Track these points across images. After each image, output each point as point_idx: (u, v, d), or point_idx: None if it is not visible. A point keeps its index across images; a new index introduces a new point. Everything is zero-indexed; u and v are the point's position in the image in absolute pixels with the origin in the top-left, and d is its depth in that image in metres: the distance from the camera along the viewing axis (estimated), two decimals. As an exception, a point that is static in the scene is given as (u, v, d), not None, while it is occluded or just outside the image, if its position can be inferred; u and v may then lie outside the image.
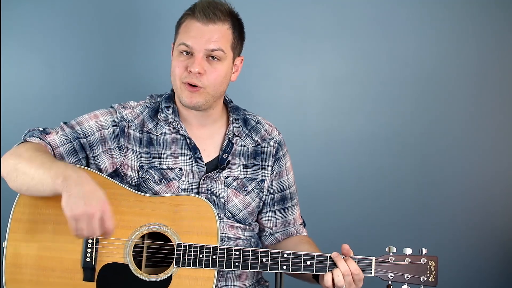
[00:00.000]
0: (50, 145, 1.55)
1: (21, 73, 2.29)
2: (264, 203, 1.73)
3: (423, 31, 2.54)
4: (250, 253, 1.49)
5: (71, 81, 2.32)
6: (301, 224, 1.80)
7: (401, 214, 2.57)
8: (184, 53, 1.55)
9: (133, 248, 1.51)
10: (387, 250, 1.51)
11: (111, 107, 1.65)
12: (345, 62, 2.52)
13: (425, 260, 1.51)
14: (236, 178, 1.65)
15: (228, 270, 1.64)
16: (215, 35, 1.53)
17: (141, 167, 1.59)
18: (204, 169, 1.62)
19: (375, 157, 2.54)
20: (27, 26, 2.27)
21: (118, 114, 1.62)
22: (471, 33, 2.56)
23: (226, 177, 1.64)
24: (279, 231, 1.75)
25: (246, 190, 1.66)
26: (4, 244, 1.49)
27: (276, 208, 1.74)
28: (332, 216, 2.50)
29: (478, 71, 2.58)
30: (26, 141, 1.55)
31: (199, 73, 1.53)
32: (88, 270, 1.48)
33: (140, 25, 2.33)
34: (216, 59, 1.55)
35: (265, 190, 1.71)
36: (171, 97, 1.67)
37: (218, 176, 1.63)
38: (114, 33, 2.33)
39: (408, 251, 1.51)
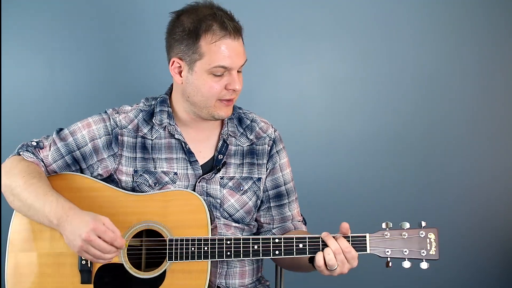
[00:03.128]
0: (43, 161, 1.58)
1: (21, 73, 2.34)
2: (261, 201, 1.70)
3: (423, 31, 2.52)
4: (241, 241, 1.47)
5: (71, 82, 2.35)
6: (300, 221, 1.75)
7: (402, 213, 2.49)
8: (219, 73, 1.52)
9: (131, 248, 1.52)
10: (383, 226, 1.45)
11: (105, 112, 1.65)
12: (345, 62, 2.51)
13: (424, 233, 1.43)
14: (231, 178, 1.64)
15: (227, 268, 1.63)
16: (242, 48, 1.54)
17: (135, 171, 1.60)
18: (200, 171, 1.62)
19: (375, 157, 2.50)
20: (27, 27, 2.32)
21: (111, 120, 1.62)
22: (472, 33, 2.53)
23: (221, 178, 1.63)
24: (276, 227, 1.70)
25: (242, 190, 1.64)
26: (5, 255, 1.53)
27: (272, 205, 1.70)
28: (332, 215, 2.45)
29: (479, 71, 2.55)
30: (20, 154, 1.58)
31: None
32: (85, 273, 1.50)
33: (139, 26, 2.36)
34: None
35: (261, 188, 1.68)
36: (166, 101, 1.65)
37: (214, 177, 1.62)
38: (114, 34, 2.36)
39: (406, 225, 1.45)
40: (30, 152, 1.57)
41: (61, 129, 1.63)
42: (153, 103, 1.67)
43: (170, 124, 1.63)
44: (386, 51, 2.50)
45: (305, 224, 1.76)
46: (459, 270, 2.52)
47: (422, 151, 2.53)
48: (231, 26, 1.50)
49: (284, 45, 2.46)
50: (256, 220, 1.72)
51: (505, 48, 2.55)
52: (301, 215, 1.77)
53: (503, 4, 2.53)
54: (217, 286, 1.62)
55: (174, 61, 1.56)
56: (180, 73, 1.56)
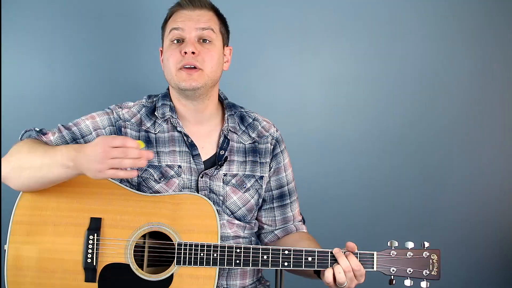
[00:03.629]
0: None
1: (21, 73, 2.30)
2: (263, 200, 1.72)
3: (425, 31, 2.53)
4: (251, 251, 1.48)
5: (71, 82, 2.32)
6: (301, 221, 1.78)
7: (403, 213, 2.56)
8: (175, 41, 1.59)
9: (134, 248, 1.51)
10: (388, 245, 1.49)
11: (108, 108, 1.66)
12: (345, 62, 2.52)
13: (427, 254, 1.49)
14: (234, 175, 1.65)
15: (229, 269, 1.64)
16: (203, 17, 1.60)
17: None
18: (202, 166, 1.62)
19: (376, 157, 2.53)
20: (27, 26, 2.28)
21: (114, 114, 1.63)
22: (475, 33, 2.56)
23: (225, 174, 1.64)
24: (279, 228, 1.74)
25: (244, 187, 1.66)
26: (5, 247, 1.49)
27: (275, 205, 1.73)
28: (333, 215, 2.49)
29: (482, 73, 2.57)
30: (22, 140, 1.56)
31: (193, 53, 1.56)
32: (89, 271, 1.48)
33: (140, 24, 2.34)
34: (207, 41, 1.60)
35: (263, 187, 1.70)
36: (167, 95, 1.68)
37: (217, 173, 1.63)
38: (115, 33, 2.34)
39: (410, 245, 1.50)
40: (33, 137, 1.57)
41: (63, 125, 1.63)
42: (154, 99, 1.69)
43: (172, 117, 1.64)
44: (387, 51, 2.51)
45: (304, 223, 1.80)
46: (460, 270, 2.57)
47: (424, 152, 2.56)
48: (185, 1, 1.61)
49: (284, 45, 2.45)
50: (257, 218, 1.74)
51: (508, 49, 2.58)
52: (301, 214, 1.81)
53: (505, 5, 2.56)
54: (218, 287, 1.63)
55: (160, 51, 1.67)
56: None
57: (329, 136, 2.51)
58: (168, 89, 1.70)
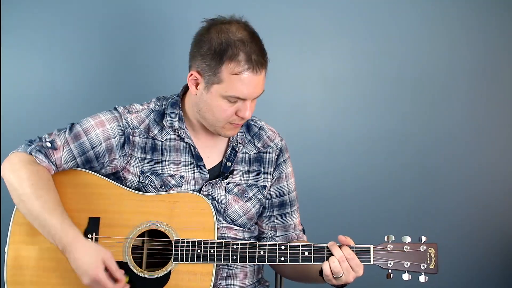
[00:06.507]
0: (55, 164, 1.54)
1: (21, 73, 2.32)
2: (263, 207, 1.71)
3: (425, 31, 2.53)
4: (248, 246, 1.49)
5: (71, 81, 2.33)
6: (301, 230, 1.77)
7: (403, 213, 2.56)
8: (234, 100, 1.51)
9: (133, 246, 1.52)
10: (386, 239, 1.49)
11: (116, 109, 1.62)
12: (345, 62, 2.52)
13: (425, 248, 1.48)
14: (237, 184, 1.65)
15: (228, 269, 1.64)
16: (262, 80, 1.54)
17: (142, 172, 1.59)
18: (207, 176, 1.62)
19: (376, 157, 2.53)
20: (27, 26, 2.30)
21: (123, 120, 1.59)
22: (476, 33, 2.55)
23: (227, 183, 1.63)
24: (279, 236, 1.72)
25: (246, 197, 1.65)
26: (5, 249, 1.51)
27: (274, 213, 1.72)
28: (333, 214, 2.48)
29: (482, 73, 2.57)
30: (31, 154, 1.52)
31: None
32: (88, 270, 1.49)
33: (141, 24, 2.34)
34: None
35: (265, 195, 1.70)
36: (177, 103, 1.63)
37: (220, 182, 1.63)
38: (115, 33, 2.35)
39: (407, 239, 1.49)
40: (43, 153, 1.52)
41: (72, 124, 1.59)
42: (164, 103, 1.65)
43: (180, 127, 1.62)
44: (386, 50, 2.51)
45: (304, 233, 1.78)
46: (459, 270, 2.57)
47: (423, 151, 2.57)
48: (256, 61, 1.48)
49: (284, 45, 2.45)
50: (257, 224, 1.73)
51: (508, 48, 2.58)
52: (301, 224, 1.79)
53: (506, 4, 2.56)
54: (217, 287, 1.63)
55: (192, 73, 1.53)
56: (196, 85, 1.55)
57: (329, 136, 2.51)
58: (179, 95, 1.65)
